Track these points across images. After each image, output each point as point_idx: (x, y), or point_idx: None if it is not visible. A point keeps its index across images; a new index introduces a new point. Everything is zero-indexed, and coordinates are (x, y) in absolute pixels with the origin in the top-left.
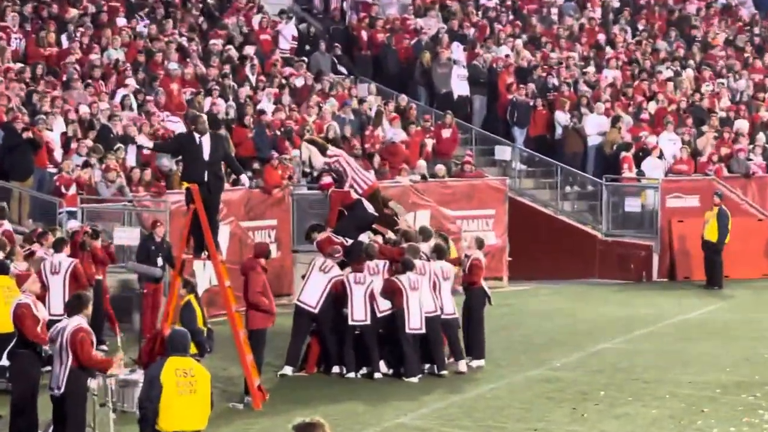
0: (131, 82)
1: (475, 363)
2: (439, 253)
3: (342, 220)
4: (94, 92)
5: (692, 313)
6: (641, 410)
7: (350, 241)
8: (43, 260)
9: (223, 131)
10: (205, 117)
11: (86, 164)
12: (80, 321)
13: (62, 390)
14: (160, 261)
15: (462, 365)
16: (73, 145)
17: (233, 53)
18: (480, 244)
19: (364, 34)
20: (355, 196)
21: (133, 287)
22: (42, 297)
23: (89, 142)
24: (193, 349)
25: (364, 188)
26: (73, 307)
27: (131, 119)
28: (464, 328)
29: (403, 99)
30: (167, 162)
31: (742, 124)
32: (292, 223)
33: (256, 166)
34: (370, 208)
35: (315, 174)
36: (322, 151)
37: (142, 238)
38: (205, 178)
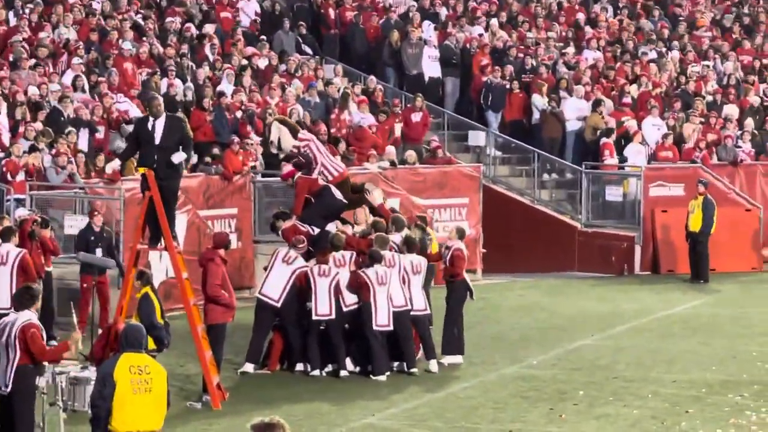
0: (83, 61)
1: (448, 360)
2: (410, 245)
3: (309, 208)
4: (44, 73)
5: (676, 308)
6: (622, 411)
7: (317, 231)
8: None
9: (180, 114)
10: (161, 99)
11: (34, 149)
12: (30, 316)
13: (9, 388)
14: (99, 252)
15: (433, 365)
16: (21, 129)
17: (192, 31)
18: (461, 234)
19: (331, 12)
20: (322, 182)
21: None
22: None
23: (39, 125)
24: (151, 344)
25: (335, 175)
26: (22, 301)
27: (83, 101)
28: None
29: (372, 81)
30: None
31: (731, 110)
32: (253, 212)
33: (216, 151)
34: (338, 195)
35: (281, 156)
36: (294, 133)
37: (80, 229)
38: (156, 165)
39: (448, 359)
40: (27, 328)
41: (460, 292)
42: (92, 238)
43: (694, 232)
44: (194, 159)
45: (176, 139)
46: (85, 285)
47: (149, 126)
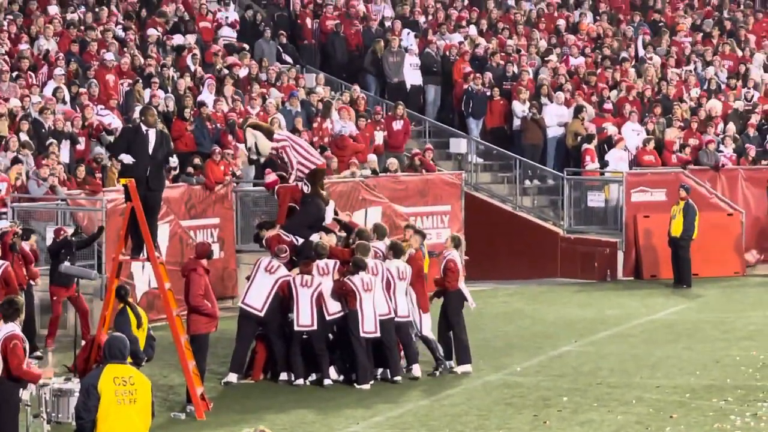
0: (63, 73)
1: (460, 369)
2: (396, 251)
3: (293, 218)
4: (25, 85)
5: (659, 314)
6: (606, 416)
7: (301, 240)
8: None
9: (163, 127)
10: (155, 110)
11: (16, 160)
12: (14, 328)
13: None
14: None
15: (416, 370)
16: (2, 141)
17: (173, 42)
18: (457, 242)
19: (309, 22)
20: (306, 190)
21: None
22: None
23: (23, 136)
24: None
25: (311, 168)
26: (6, 314)
27: (63, 113)
28: (441, 334)
29: (356, 90)
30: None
31: (714, 104)
32: (235, 222)
33: (197, 161)
34: (322, 205)
35: (262, 161)
36: (269, 135)
37: (50, 253)
38: (148, 174)
39: (460, 368)
40: (9, 339)
41: (455, 302)
42: (63, 251)
43: (676, 237)
44: (176, 168)
45: (165, 152)
46: (55, 297)
47: (143, 135)
